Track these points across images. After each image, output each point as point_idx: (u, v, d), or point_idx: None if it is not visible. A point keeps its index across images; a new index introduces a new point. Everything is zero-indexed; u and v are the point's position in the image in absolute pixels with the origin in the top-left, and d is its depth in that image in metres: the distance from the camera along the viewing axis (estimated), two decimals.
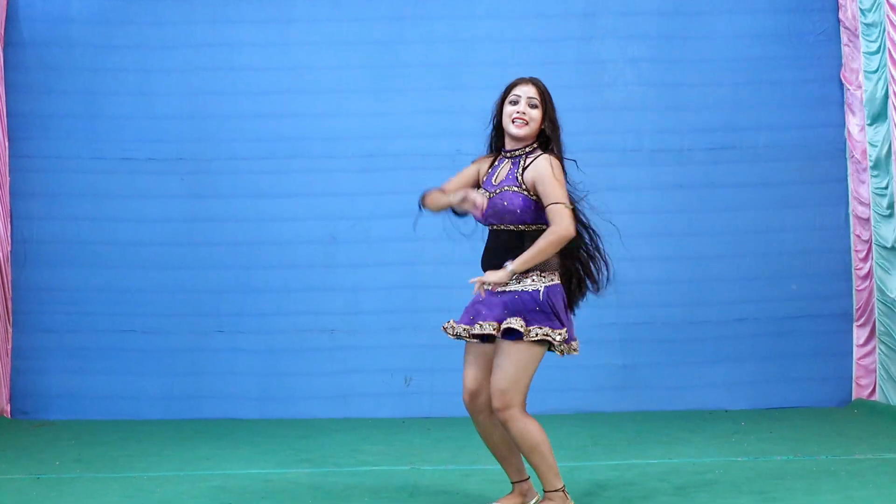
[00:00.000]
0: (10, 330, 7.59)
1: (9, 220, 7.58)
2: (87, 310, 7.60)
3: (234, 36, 7.74)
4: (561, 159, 4.63)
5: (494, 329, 4.49)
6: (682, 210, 7.70)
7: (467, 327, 4.61)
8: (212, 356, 7.64)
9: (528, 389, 4.52)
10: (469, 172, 4.79)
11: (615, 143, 7.73)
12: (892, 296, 7.14)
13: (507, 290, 4.53)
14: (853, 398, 7.64)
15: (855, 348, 7.65)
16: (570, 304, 4.69)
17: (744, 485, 5.15)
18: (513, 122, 4.63)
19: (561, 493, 4.55)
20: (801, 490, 5.00)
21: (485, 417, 4.62)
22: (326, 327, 7.67)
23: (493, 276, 4.48)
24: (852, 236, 7.66)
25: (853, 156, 7.61)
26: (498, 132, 4.74)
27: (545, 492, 4.54)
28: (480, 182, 4.73)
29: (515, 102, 4.65)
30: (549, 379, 7.57)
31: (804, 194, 7.70)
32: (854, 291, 7.66)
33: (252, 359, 7.65)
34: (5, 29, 7.60)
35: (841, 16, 7.60)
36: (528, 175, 4.56)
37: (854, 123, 7.55)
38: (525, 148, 4.64)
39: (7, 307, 7.54)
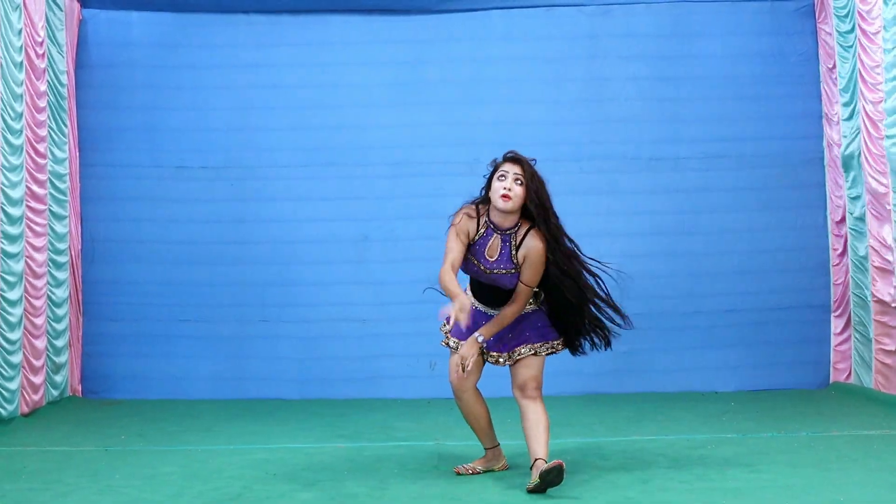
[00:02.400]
0: (80, 319, 7.65)
1: (79, 221, 7.64)
2: (146, 301, 7.63)
3: (276, 57, 7.75)
4: (550, 229, 4.67)
5: (507, 361, 4.79)
6: (678, 212, 7.69)
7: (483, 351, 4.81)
8: (256, 342, 7.65)
9: None
10: (462, 241, 4.70)
11: (617, 151, 7.72)
12: (864, 290, 7.15)
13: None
14: (831, 381, 7.62)
15: (832, 336, 7.64)
16: (574, 348, 4.94)
17: (732, 459, 5.16)
18: (501, 197, 4.62)
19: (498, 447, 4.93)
20: (783, 463, 5.02)
21: (469, 395, 4.87)
22: (358, 317, 7.69)
23: (469, 350, 4.69)
24: (830, 236, 7.65)
25: (830, 163, 7.61)
26: (483, 199, 4.76)
27: (540, 459, 4.61)
28: (471, 241, 4.70)
29: (503, 178, 4.66)
30: (560, 364, 7.56)
31: (787, 198, 7.68)
32: (832, 285, 7.65)
33: (292, 345, 7.65)
34: (76, 53, 7.66)
35: (819, 38, 7.60)
36: (521, 253, 4.67)
37: (831, 134, 7.55)
38: (514, 227, 4.69)
39: (78, 298, 7.61)
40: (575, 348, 4.94)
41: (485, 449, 5.00)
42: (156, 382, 7.58)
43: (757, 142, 7.70)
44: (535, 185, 4.65)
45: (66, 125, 7.37)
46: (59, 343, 7.25)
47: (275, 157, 7.73)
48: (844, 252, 7.48)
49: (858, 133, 7.04)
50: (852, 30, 7.06)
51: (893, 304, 6.72)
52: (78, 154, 7.64)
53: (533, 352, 4.77)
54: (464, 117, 7.75)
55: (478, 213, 4.74)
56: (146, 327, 7.62)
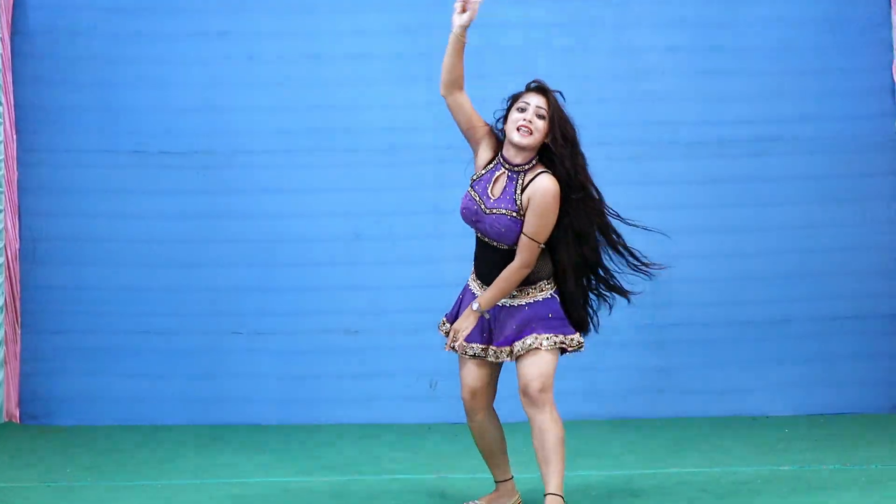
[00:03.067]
0: (18, 331, 7.61)
1: (17, 216, 7.60)
2: (99, 310, 7.61)
3: (252, 24, 7.72)
4: (577, 170, 4.69)
5: (508, 356, 4.70)
6: (721, 205, 7.66)
7: (481, 347, 4.77)
8: (230, 358, 7.65)
9: None
10: (477, 120, 4.84)
11: (651, 135, 7.68)
12: None
13: (520, 303, 4.71)
14: None
15: None
16: (583, 324, 4.85)
17: (789, 496, 5.15)
18: (517, 129, 4.66)
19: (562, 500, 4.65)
20: (850, 501, 5.00)
21: (483, 416, 4.84)
22: (349, 328, 7.67)
23: (464, 322, 4.71)
24: None
25: None
26: (499, 132, 4.81)
27: (552, 494, 4.59)
28: (476, 148, 4.82)
29: (523, 110, 4.69)
30: (579, 382, 7.57)
31: (851, 188, 7.64)
32: None
33: (272, 361, 7.65)
34: (12, 17, 7.61)
35: (893, 1, 7.54)
36: (527, 194, 4.63)
37: None
38: (525, 165, 4.69)
39: (16, 307, 7.56)
40: (583, 325, 4.85)
41: (495, 482, 4.99)
42: (109, 405, 7.56)
43: (816, 123, 7.67)
44: (559, 122, 4.68)
45: (0, 104, 7.33)
46: None
47: (251, 141, 7.71)
48: None
49: None
50: None
51: None
52: (15, 137, 7.59)
53: (537, 344, 4.64)
54: (472, 94, 7.63)
55: (495, 151, 4.78)
56: (98, 341, 7.60)
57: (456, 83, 4.83)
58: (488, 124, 4.85)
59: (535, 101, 4.70)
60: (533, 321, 4.67)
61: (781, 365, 7.58)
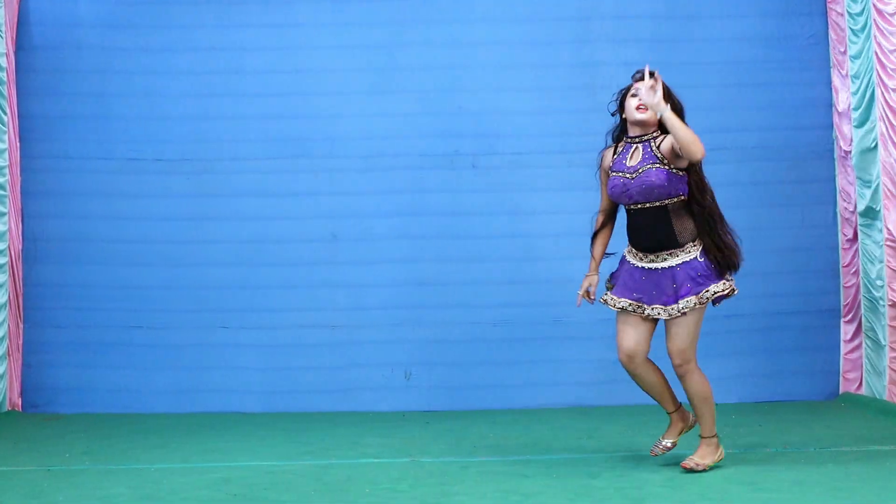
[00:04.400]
0: (21, 325, 7.59)
1: (20, 218, 7.58)
2: (95, 306, 7.59)
3: (239, 40, 7.73)
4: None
5: (679, 311, 5.09)
6: None
7: (635, 304, 5.18)
8: (217, 351, 7.64)
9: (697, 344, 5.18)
10: (605, 180, 5.33)
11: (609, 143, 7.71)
12: (876, 293, 7.15)
13: (670, 265, 5.10)
14: (840, 392, 7.64)
15: (842, 343, 7.65)
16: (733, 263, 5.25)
17: (734, 476, 5.15)
18: (636, 109, 5.17)
19: (715, 439, 5.27)
20: (789, 481, 5.01)
21: (642, 370, 5.25)
22: (329, 323, 7.67)
23: (653, 97, 5.02)
24: (840, 234, 7.66)
25: (840, 156, 7.61)
26: (621, 125, 5.30)
27: (703, 437, 5.24)
28: (608, 173, 5.27)
29: (636, 95, 5.19)
30: (544, 374, 7.61)
31: (793, 194, 7.69)
32: (841, 288, 7.67)
33: (256, 353, 7.64)
34: (17, 33, 7.59)
35: (830, 20, 7.61)
36: (664, 146, 5.09)
37: (842, 125, 7.56)
38: (653, 132, 5.18)
39: (18, 303, 7.55)
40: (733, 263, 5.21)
41: (668, 413, 5.37)
42: (105, 395, 7.54)
43: (761, 133, 7.71)
44: (669, 93, 5.11)
45: (5, 113, 7.31)
46: None
47: (237, 148, 7.71)
48: (855, 253, 7.49)
49: (874, 124, 7.03)
50: (862, 12, 7.06)
51: None
52: (18, 145, 7.58)
53: (690, 307, 5.07)
54: (443, 106, 7.75)
55: (615, 146, 5.30)
56: (94, 335, 7.58)
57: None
58: (603, 174, 5.37)
59: (644, 85, 5.10)
60: (686, 282, 5.08)
61: (728, 357, 7.60)
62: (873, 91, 7.00)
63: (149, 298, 7.62)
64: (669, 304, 5.12)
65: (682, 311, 5.09)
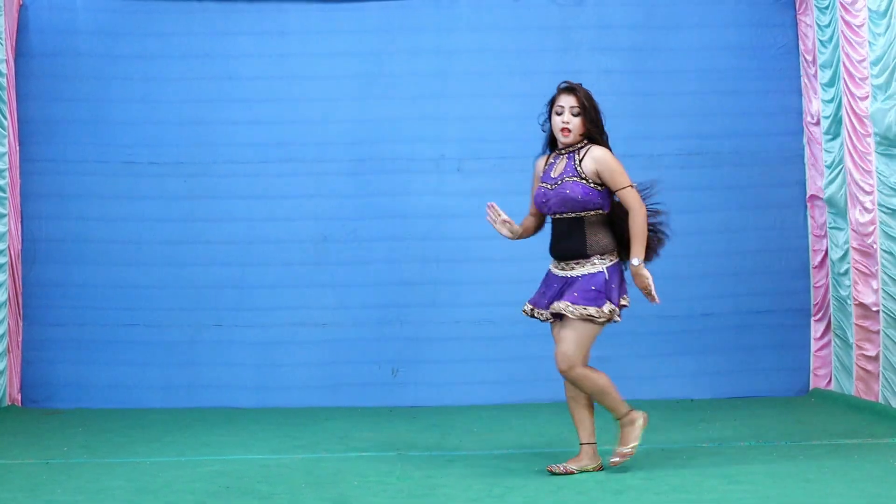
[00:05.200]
0: (20, 323, 7.57)
1: (19, 219, 7.56)
2: (92, 304, 7.58)
3: (231, 47, 7.72)
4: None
5: (564, 308, 4.95)
6: None
7: (544, 311, 5.12)
8: (210, 348, 7.62)
9: (588, 356, 5.06)
10: (535, 182, 5.24)
11: None
12: (843, 293, 7.20)
13: (574, 274, 5.02)
14: (811, 388, 7.68)
15: (812, 341, 7.69)
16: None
17: (709, 469, 5.17)
18: (561, 132, 5.06)
19: (630, 413, 5.11)
20: (762, 474, 5.03)
21: (581, 372, 5.05)
22: (318, 321, 7.66)
23: (641, 280, 5.01)
24: (810, 237, 7.71)
25: (810, 161, 7.66)
26: (551, 136, 5.17)
27: (619, 419, 5.10)
28: (538, 179, 5.18)
29: (560, 113, 5.06)
30: (527, 370, 7.62)
31: (765, 197, 7.72)
32: (812, 288, 7.71)
33: (248, 350, 7.63)
34: (16, 41, 7.57)
35: (799, 31, 7.66)
36: (586, 164, 5.01)
37: (812, 131, 7.61)
38: (577, 145, 5.07)
39: (18, 302, 7.53)
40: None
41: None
42: (102, 391, 7.53)
43: (734, 138, 7.75)
44: (592, 113, 5.04)
45: (5, 118, 7.28)
46: None
47: (229, 152, 7.71)
48: (825, 254, 7.54)
49: (842, 131, 7.08)
50: (830, 24, 7.11)
51: (874, 308, 6.77)
52: (18, 148, 7.56)
53: (568, 311, 4.93)
54: (429, 111, 7.76)
55: (548, 155, 5.21)
56: (91, 332, 7.57)
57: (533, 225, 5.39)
58: (534, 182, 5.27)
59: (568, 101, 5.05)
60: (576, 290, 4.97)
61: (703, 354, 7.64)
62: (840, 99, 7.05)
63: (144, 297, 7.60)
64: (560, 301, 5.00)
65: (553, 311, 5.01)
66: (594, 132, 5.05)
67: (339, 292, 7.66)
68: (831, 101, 7.23)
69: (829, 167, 7.36)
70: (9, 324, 7.36)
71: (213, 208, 7.67)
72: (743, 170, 7.75)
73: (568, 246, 5.04)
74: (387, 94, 7.75)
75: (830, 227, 7.41)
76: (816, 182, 7.59)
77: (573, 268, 5.04)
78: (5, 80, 7.30)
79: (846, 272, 7.16)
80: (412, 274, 7.71)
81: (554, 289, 5.07)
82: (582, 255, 5.02)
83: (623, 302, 5.08)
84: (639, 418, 5.12)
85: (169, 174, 7.66)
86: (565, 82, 5.11)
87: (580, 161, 5.02)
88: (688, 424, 6.55)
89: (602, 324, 5.00)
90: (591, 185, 4.99)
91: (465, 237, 7.69)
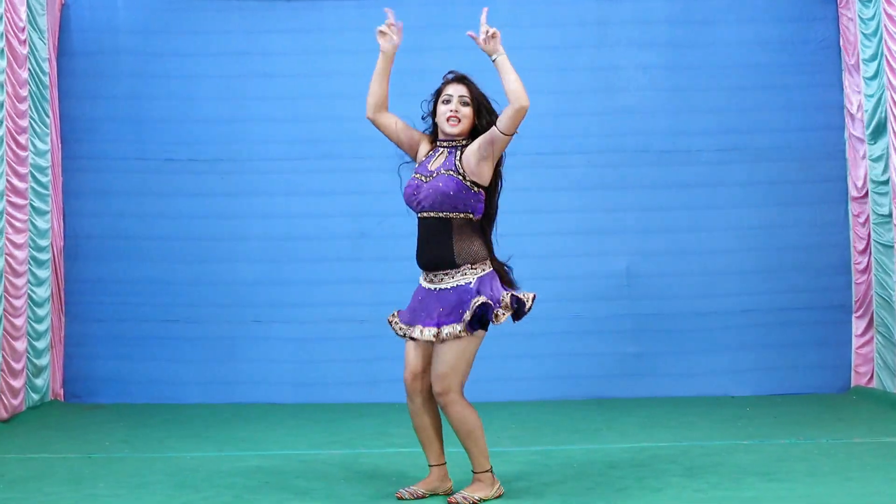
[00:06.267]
0: (63, 319, 7.64)
1: (62, 216, 7.63)
2: (132, 300, 7.63)
3: (268, 44, 7.76)
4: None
5: (434, 336, 4.48)
6: (691, 207, 7.68)
7: (405, 328, 4.64)
8: (248, 344, 7.65)
9: (468, 376, 4.56)
10: (408, 128, 4.78)
11: (627, 144, 7.71)
12: (890, 291, 7.13)
13: (443, 287, 4.55)
14: (852, 385, 7.62)
15: (854, 338, 7.62)
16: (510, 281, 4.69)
17: (749, 466, 5.16)
18: (447, 120, 4.63)
19: (489, 474, 4.62)
20: (802, 472, 5.01)
21: (421, 400, 4.65)
22: (355, 317, 7.66)
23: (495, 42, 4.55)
24: (851, 233, 7.64)
25: (852, 156, 7.59)
26: (434, 126, 4.75)
27: (475, 472, 4.62)
28: (415, 158, 4.73)
29: (448, 101, 4.67)
30: (564, 367, 7.62)
31: (806, 193, 7.67)
32: (853, 284, 7.64)
33: (285, 346, 7.66)
34: (58, 40, 7.64)
35: (841, 24, 7.59)
36: (466, 158, 4.56)
37: (853, 126, 7.54)
38: (461, 140, 4.65)
39: (60, 298, 7.59)
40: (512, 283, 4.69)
41: (430, 466, 4.77)
42: (142, 386, 7.58)
43: (774, 134, 7.69)
44: (482, 102, 4.65)
45: (48, 116, 7.35)
46: (40, 345, 7.23)
47: (267, 149, 7.74)
48: (867, 249, 7.47)
49: (886, 126, 7.01)
50: (874, 17, 7.04)
51: None
52: (60, 146, 7.62)
53: (444, 338, 4.47)
54: None
55: (433, 145, 4.73)
56: (132, 328, 7.62)
57: (382, 105, 4.83)
58: (422, 132, 4.79)
59: (457, 90, 4.67)
60: (456, 309, 4.49)
61: (743, 351, 7.60)
62: (883, 93, 6.98)
63: (184, 293, 7.64)
64: (427, 327, 4.52)
65: (444, 338, 4.47)
66: (482, 128, 4.62)
67: (375, 288, 7.66)
68: (873, 95, 7.16)
69: (872, 162, 7.29)
70: (52, 320, 7.43)
71: (250, 205, 7.70)
72: (782, 165, 7.70)
73: (434, 252, 4.55)
74: (423, 91, 7.63)
75: (874, 223, 7.33)
76: (858, 177, 7.52)
77: (442, 279, 4.57)
78: (48, 78, 7.37)
79: (890, 268, 7.08)
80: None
81: (431, 308, 4.55)
82: (450, 263, 4.55)
83: (500, 314, 4.52)
84: (498, 483, 4.68)
85: (207, 171, 7.70)
86: (452, 72, 4.77)
87: (460, 157, 4.58)
88: (727, 422, 6.53)
89: (479, 340, 4.54)
90: (470, 184, 4.55)
91: (502, 233, 7.55)
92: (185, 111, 7.70)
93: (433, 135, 4.77)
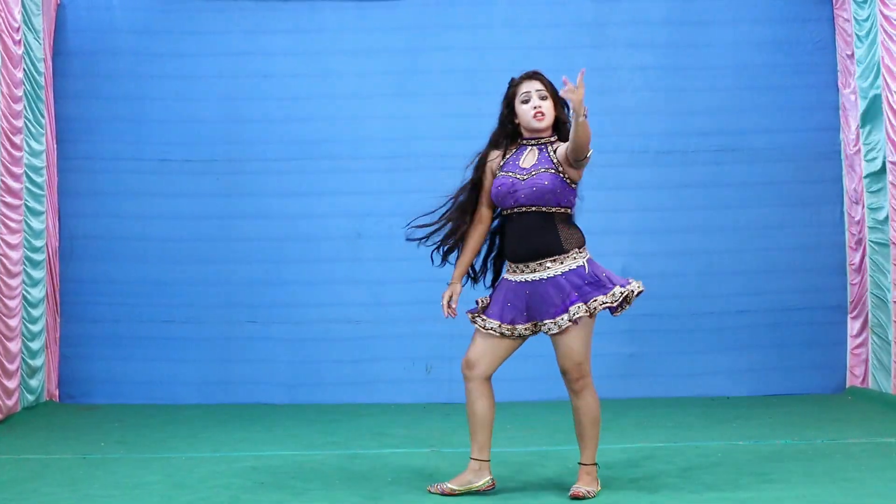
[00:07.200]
0: (58, 319, 7.63)
1: (57, 217, 7.62)
2: (128, 301, 7.63)
3: (266, 45, 7.76)
4: None
5: (557, 326, 4.54)
6: (687, 208, 7.69)
7: (505, 327, 4.66)
8: (244, 344, 7.66)
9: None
10: (485, 185, 4.76)
11: (624, 145, 7.71)
12: (885, 291, 7.14)
13: (548, 275, 4.55)
14: (847, 385, 7.63)
15: (849, 339, 7.64)
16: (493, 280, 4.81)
17: (744, 467, 5.16)
18: (534, 116, 4.65)
19: (595, 468, 4.68)
20: (798, 472, 5.01)
21: (478, 384, 4.71)
22: (351, 318, 7.67)
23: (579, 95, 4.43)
24: (847, 233, 7.65)
25: (847, 157, 7.60)
26: (510, 130, 4.74)
27: (584, 464, 4.65)
28: (495, 173, 4.70)
29: (527, 100, 4.69)
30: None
31: (801, 193, 7.68)
32: (848, 285, 7.65)
33: (282, 347, 7.66)
34: (54, 40, 7.63)
35: (837, 25, 7.60)
36: (560, 154, 4.59)
37: (849, 127, 7.55)
38: (550, 137, 4.69)
39: (55, 298, 7.59)
40: None
41: (471, 458, 4.73)
42: (138, 387, 7.58)
43: (770, 134, 7.71)
44: (557, 92, 4.67)
45: (43, 116, 7.34)
46: (35, 346, 7.22)
47: (264, 149, 7.74)
48: (863, 250, 7.47)
49: (881, 126, 7.02)
50: (868, 18, 7.05)
51: None
52: (55, 146, 7.62)
53: (562, 325, 4.53)
54: (464, 108, 7.75)
55: (506, 147, 4.75)
56: (127, 329, 7.62)
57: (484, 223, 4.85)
58: (484, 166, 4.79)
59: (533, 86, 4.71)
60: (573, 290, 4.52)
61: (738, 351, 7.61)
62: (879, 94, 6.98)
63: (179, 294, 7.64)
64: (558, 315, 4.53)
65: (574, 318, 4.50)
66: (563, 117, 4.69)
67: (373, 289, 7.67)
68: (868, 96, 7.16)
69: (868, 162, 7.29)
70: (47, 320, 7.42)
71: (247, 205, 7.70)
72: (778, 166, 7.71)
73: (539, 242, 4.55)
74: (421, 92, 7.75)
75: (869, 224, 7.34)
76: (854, 177, 7.52)
77: (548, 267, 4.55)
78: (43, 78, 7.36)
79: (885, 269, 7.08)
80: (446, 271, 7.67)
81: (549, 297, 4.55)
82: (558, 250, 4.56)
83: (630, 292, 4.59)
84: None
85: (204, 172, 7.70)
86: (523, 72, 4.78)
87: (555, 151, 4.61)
88: (723, 422, 6.54)
89: (619, 308, 4.60)
90: (567, 179, 4.58)
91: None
92: (182, 111, 7.69)
93: (504, 137, 4.76)
